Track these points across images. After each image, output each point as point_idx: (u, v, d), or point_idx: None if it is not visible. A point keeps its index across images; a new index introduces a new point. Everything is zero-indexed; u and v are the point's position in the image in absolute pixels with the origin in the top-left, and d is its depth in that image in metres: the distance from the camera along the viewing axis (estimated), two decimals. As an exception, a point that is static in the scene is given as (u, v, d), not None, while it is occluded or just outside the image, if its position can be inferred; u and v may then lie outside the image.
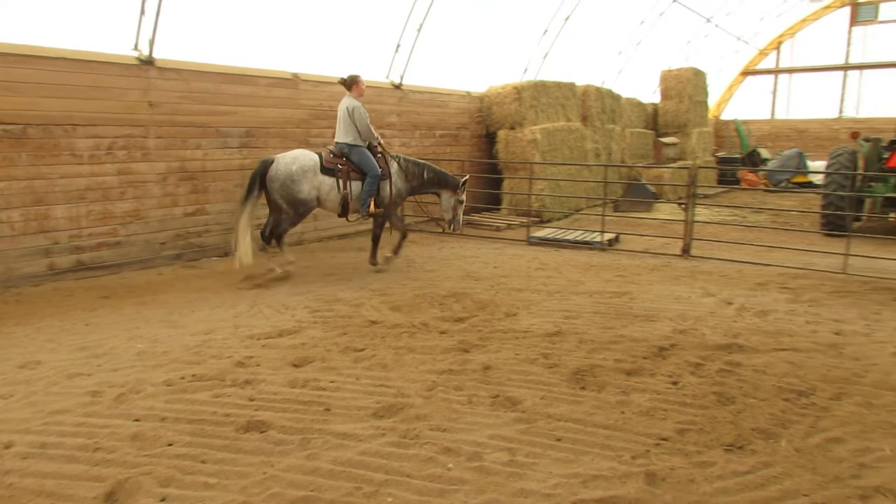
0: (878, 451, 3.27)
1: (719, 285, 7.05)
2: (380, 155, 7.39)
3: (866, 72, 22.09)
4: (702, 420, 3.60)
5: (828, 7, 22.39)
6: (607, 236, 9.65)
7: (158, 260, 7.75)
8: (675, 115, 18.03)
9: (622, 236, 10.12)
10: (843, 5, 22.19)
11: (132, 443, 3.25)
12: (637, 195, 13.96)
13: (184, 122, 7.86)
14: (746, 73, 24.58)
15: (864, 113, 21.97)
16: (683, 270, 7.88)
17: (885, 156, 10.93)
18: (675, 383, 4.13)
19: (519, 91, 12.59)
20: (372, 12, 10.64)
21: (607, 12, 15.72)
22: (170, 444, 3.24)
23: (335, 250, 9.09)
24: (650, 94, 19.36)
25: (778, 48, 23.94)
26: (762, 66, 24.35)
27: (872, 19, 21.78)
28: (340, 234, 10.04)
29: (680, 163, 16.83)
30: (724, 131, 23.02)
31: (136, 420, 3.51)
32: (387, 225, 7.81)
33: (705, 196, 15.95)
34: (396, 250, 7.79)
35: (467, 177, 8.00)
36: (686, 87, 17.78)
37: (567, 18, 14.17)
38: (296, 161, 6.92)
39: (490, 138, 13.18)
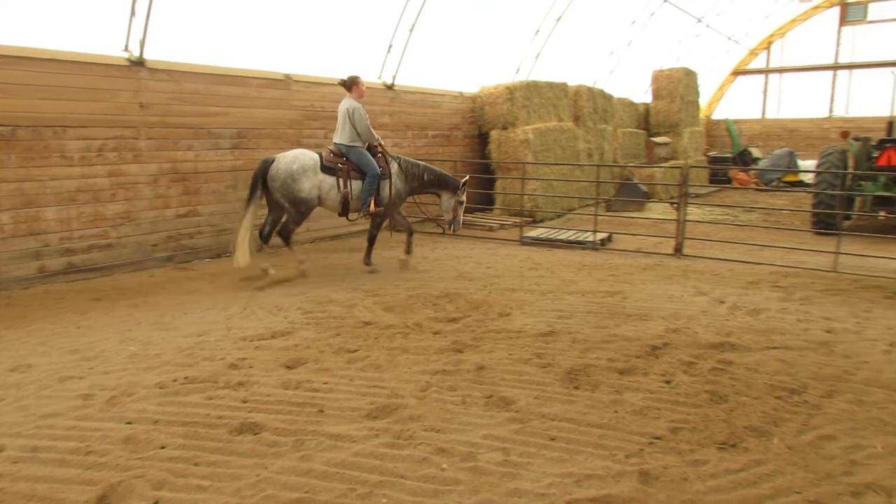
0: (870, 448, 3.29)
1: (711, 284, 7.08)
2: (380, 155, 7.41)
3: (856, 71, 22.24)
4: (695, 419, 3.61)
5: (817, 7, 22.53)
6: (600, 236, 9.67)
7: (150, 262, 7.72)
8: (667, 115, 18.10)
9: (615, 236, 10.15)
10: (832, 5, 22.33)
11: (124, 446, 3.24)
12: (629, 195, 14.00)
13: (175, 123, 7.83)
14: (737, 72, 24.70)
15: (854, 112, 22.11)
16: (676, 269, 7.91)
17: (875, 155, 11.00)
18: (668, 382, 4.14)
19: (511, 91, 12.60)
20: (364, 12, 10.63)
21: (599, 12, 15.76)
22: (162, 447, 3.23)
23: (327, 251, 9.07)
24: (642, 94, 19.43)
25: (768, 48, 24.07)
26: (753, 65, 24.48)
27: (861, 19, 21.93)
28: (332, 235, 10.03)
29: (672, 162, 16.90)
30: (716, 131, 23.12)
31: (129, 423, 3.50)
32: (385, 225, 7.82)
33: (697, 195, 16.00)
34: (408, 249, 7.85)
35: (467, 178, 8.03)
36: (677, 86, 17.85)
37: (559, 19, 14.20)
38: (296, 160, 6.96)
39: (482, 138, 13.18)
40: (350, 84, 7.31)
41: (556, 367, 4.37)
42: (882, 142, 11.11)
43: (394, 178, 7.47)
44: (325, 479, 2.96)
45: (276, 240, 7.26)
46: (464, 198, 7.90)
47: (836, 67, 22.52)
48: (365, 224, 8.10)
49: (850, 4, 21.98)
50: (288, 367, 4.38)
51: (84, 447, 3.21)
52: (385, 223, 7.78)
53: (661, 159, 17.19)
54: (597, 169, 13.59)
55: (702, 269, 7.90)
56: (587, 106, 14.76)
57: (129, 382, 4.06)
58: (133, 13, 7.22)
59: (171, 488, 2.87)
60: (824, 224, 10.35)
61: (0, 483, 2.90)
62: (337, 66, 10.22)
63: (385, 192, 7.40)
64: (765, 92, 24.22)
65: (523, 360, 4.53)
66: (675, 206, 9.01)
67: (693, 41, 20.48)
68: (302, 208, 7.05)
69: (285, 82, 9.16)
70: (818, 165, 11.04)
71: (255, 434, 3.38)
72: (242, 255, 6.84)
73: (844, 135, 12.24)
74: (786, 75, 23.83)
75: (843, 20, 22.25)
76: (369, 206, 7.20)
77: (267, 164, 6.93)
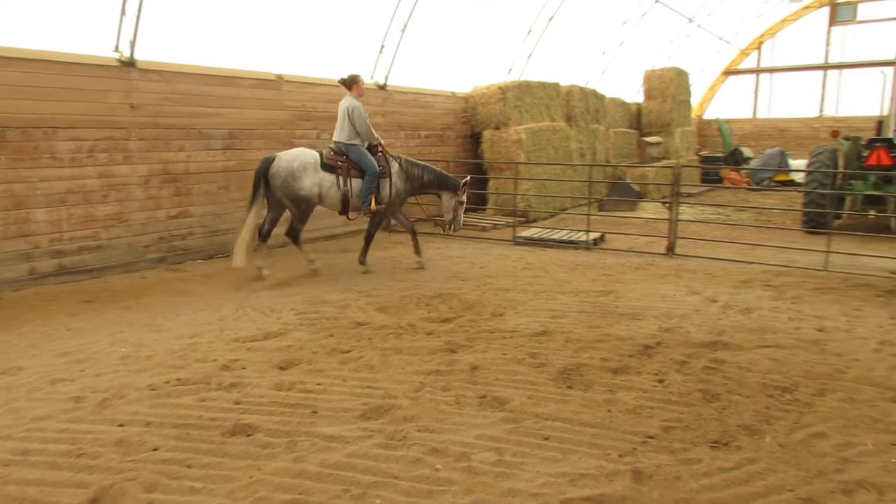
0: (861, 446, 3.31)
1: (704, 283, 7.10)
2: (380, 154, 7.43)
3: (845, 71, 22.39)
4: (688, 417, 3.62)
5: (807, 7, 22.66)
6: (592, 235, 9.69)
7: (142, 263, 7.68)
8: (659, 115, 18.16)
9: (607, 235, 10.17)
10: (822, 5, 22.46)
11: (116, 448, 3.22)
12: (622, 194, 14.03)
13: (166, 123, 7.79)
14: (728, 72, 24.81)
15: (844, 112, 22.26)
16: (668, 269, 7.94)
17: (865, 154, 11.07)
18: (660, 381, 4.15)
19: (503, 91, 12.61)
20: (356, 13, 10.61)
21: (591, 12, 15.79)
22: (155, 449, 3.21)
23: (320, 252, 9.04)
24: (634, 94, 19.47)
25: (759, 48, 24.19)
26: (744, 65, 24.60)
27: (851, 19, 22.06)
28: (326, 235, 10.00)
29: (664, 162, 16.94)
30: (707, 130, 23.22)
31: (121, 425, 3.48)
32: (383, 225, 7.84)
33: (689, 195, 16.04)
34: (417, 250, 7.90)
35: (468, 178, 8.05)
36: (669, 86, 17.91)
37: (551, 19, 14.22)
38: (297, 158, 7.04)
39: (475, 138, 13.19)
40: (350, 83, 7.35)
41: (550, 367, 4.38)
42: (871, 141, 11.18)
43: (394, 178, 7.49)
44: (318, 480, 2.95)
45: (273, 240, 7.29)
46: (464, 198, 7.94)
47: (826, 67, 22.67)
48: (358, 224, 8.10)
49: (840, 4, 22.11)
50: (281, 369, 4.37)
51: (75, 450, 3.19)
52: (384, 223, 7.79)
53: (653, 159, 17.24)
54: (589, 169, 13.63)
55: (694, 269, 7.93)
56: (579, 106, 14.79)
57: (120, 384, 4.03)
58: (123, 13, 7.19)
59: (163, 490, 2.86)
60: (815, 223, 10.41)
61: (-10, 487, 2.88)
62: (329, 66, 10.21)
63: (385, 191, 7.43)
64: (756, 92, 24.35)
65: (517, 359, 4.54)
66: (667, 205, 9.04)
67: (684, 41, 20.55)
68: (303, 206, 7.10)
69: (277, 83, 9.14)
70: (809, 165, 11.11)
71: (248, 435, 3.37)
72: (240, 255, 6.90)
73: (834, 134, 12.31)
74: (776, 75, 23.97)
75: (833, 20, 22.38)
76: (370, 204, 7.25)
77: (268, 163, 7.01)
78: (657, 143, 17.61)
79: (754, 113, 24.35)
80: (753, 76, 24.40)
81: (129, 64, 7.38)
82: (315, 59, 10.28)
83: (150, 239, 7.78)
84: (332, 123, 9.64)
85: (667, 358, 4.57)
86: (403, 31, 11.00)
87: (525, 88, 12.98)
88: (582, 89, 14.95)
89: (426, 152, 12.04)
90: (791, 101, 23.44)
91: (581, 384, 4.10)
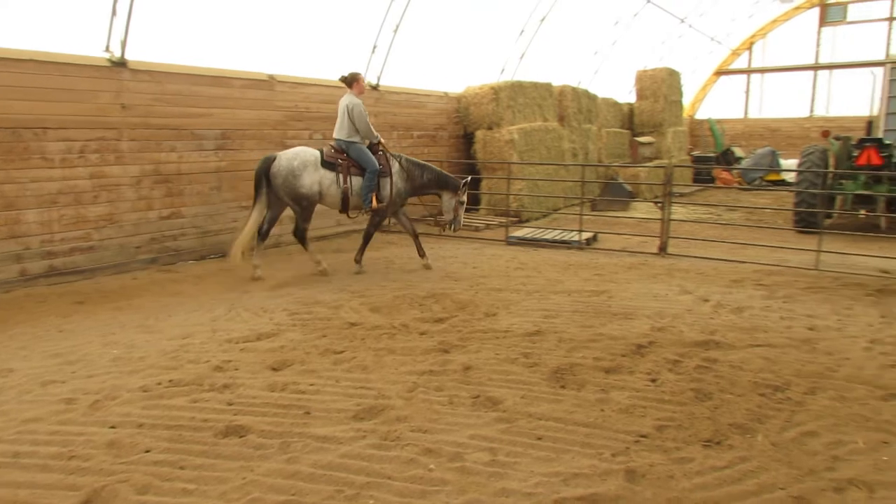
0: (851, 444, 3.33)
1: (696, 283, 7.13)
2: (381, 154, 7.43)
3: (836, 72, 22.53)
4: (680, 416, 3.63)
5: (798, 8, 22.79)
6: (585, 235, 9.71)
7: (133, 264, 7.64)
8: (651, 115, 18.21)
9: (600, 235, 10.20)
10: (812, 6, 22.60)
11: (108, 450, 3.20)
12: (614, 194, 14.07)
13: (158, 124, 7.76)
14: (720, 72, 24.93)
15: (834, 112, 22.40)
16: (660, 268, 7.96)
17: (855, 154, 11.15)
18: (653, 380, 4.17)
19: (496, 91, 12.62)
20: (348, 12, 10.60)
21: (583, 13, 15.83)
22: (147, 451, 3.20)
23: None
24: (626, 94, 19.54)
25: (750, 48, 24.31)
26: (735, 66, 24.71)
27: (841, 20, 22.21)
28: (318, 236, 9.97)
29: (656, 162, 17.00)
30: (699, 130, 23.31)
31: (112, 427, 3.46)
32: (385, 223, 7.85)
33: (681, 194, 16.11)
34: (421, 253, 7.92)
35: (468, 178, 8.06)
36: (661, 86, 17.96)
37: (543, 19, 14.24)
38: (297, 157, 7.11)
39: (468, 138, 13.19)
40: (351, 80, 7.40)
41: (543, 367, 4.38)
42: (862, 141, 11.26)
43: (395, 178, 7.49)
44: (311, 481, 2.94)
45: (270, 239, 7.32)
46: (465, 198, 7.95)
47: (816, 68, 22.80)
48: (350, 225, 8.09)
49: (830, 5, 22.26)
50: (274, 369, 4.36)
51: (67, 452, 3.17)
52: (383, 223, 7.79)
53: (646, 159, 17.30)
54: (582, 169, 13.66)
55: (686, 268, 7.96)
56: (572, 106, 14.82)
57: (112, 386, 4.01)
58: (114, 13, 7.15)
59: (156, 492, 2.84)
60: (806, 222, 10.48)
61: (-19, 489, 2.86)
62: (321, 66, 10.19)
63: (386, 190, 7.44)
64: (747, 92, 24.47)
65: (510, 359, 4.54)
66: (659, 205, 9.07)
67: (676, 41, 20.63)
68: (304, 203, 7.13)
69: (269, 83, 9.12)
70: (799, 164, 11.17)
71: (241, 437, 3.36)
72: (237, 253, 6.98)
73: (825, 134, 12.39)
74: (767, 75, 24.09)
75: (823, 21, 22.52)
76: (371, 201, 7.26)
77: (269, 162, 7.07)
78: (649, 143, 17.67)
79: (745, 113, 24.47)
80: (745, 76, 24.52)
81: (120, 64, 7.34)
82: (307, 60, 10.27)
83: (141, 240, 7.74)
84: (324, 124, 9.68)
85: (659, 357, 4.59)
86: (396, 31, 10.99)
87: (518, 88, 12.99)
88: (574, 89, 14.98)
89: (419, 152, 12.01)
90: (782, 101, 23.57)
91: (574, 384, 4.11)
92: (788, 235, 10.36)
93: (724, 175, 18.48)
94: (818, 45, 22.71)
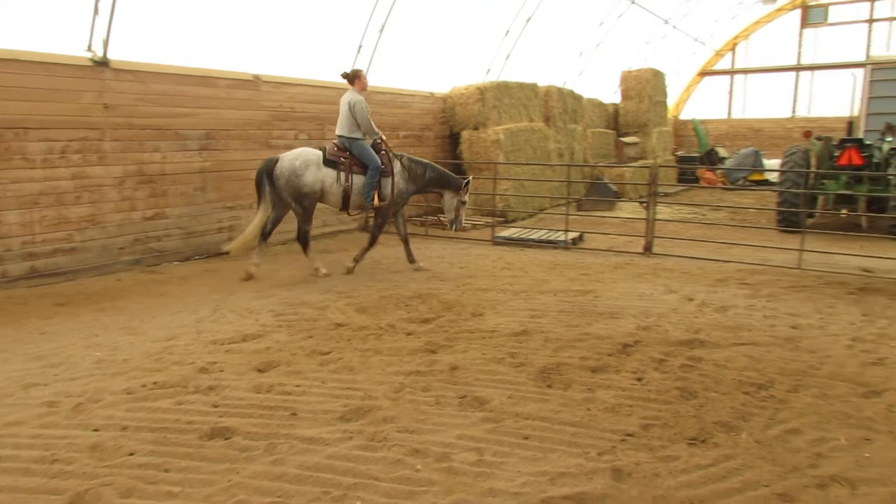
0: (834, 441, 3.37)
1: (681, 282, 7.18)
2: (384, 153, 7.42)
3: (817, 73, 22.80)
4: (666, 415, 3.66)
5: (780, 9, 23.03)
6: (571, 235, 9.75)
7: (117, 265, 7.56)
8: (636, 115, 18.33)
9: (586, 235, 10.24)
10: (794, 8, 22.85)
11: (91, 453, 3.16)
12: (600, 194, 14.13)
13: (141, 124, 7.68)
14: (703, 73, 25.14)
15: (816, 112, 22.66)
16: (646, 268, 8.01)
17: (836, 154, 11.28)
18: (639, 379, 4.19)
19: (482, 92, 12.63)
20: (334, 13, 10.56)
21: (568, 14, 15.89)
22: (131, 454, 3.17)
23: (298, 253, 8.96)
24: (611, 95, 19.64)
25: (733, 49, 24.53)
26: (718, 66, 24.93)
27: (822, 22, 22.48)
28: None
29: (641, 162, 17.10)
30: (683, 131, 23.48)
31: (96, 430, 3.42)
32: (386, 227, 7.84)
33: (666, 194, 16.21)
34: (411, 259, 7.92)
35: (470, 178, 8.05)
36: (646, 87, 18.09)
37: (528, 20, 14.28)
38: (299, 157, 7.14)
39: (454, 139, 13.19)
40: (352, 77, 7.43)
41: (529, 367, 4.39)
42: (843, 141, 11.40)
43: (397, 178, 7.47)
44: (298, 482, 2.93)
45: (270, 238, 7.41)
46: (466, 197, 7.95)
47: (798, 69, 23.07)
48: (337, 225, 8.06)
49: (812, 7, 22.52)
50: (259, 371, 4.33)
51: (49, 455, 3.13)
52: (386, 224, 7.77)
53: (631, 159, 17.40)
54: (567, 169, 13.71)
55: (671, 268, 8.02)
56: (557, 106, 14.87)
57: (95, 388, 3.97)
58: (96, 12, 7.07)
59: (140, 496, 2.82)
60: (789, 222, 10.59)
61: (-39, 495, 2.82)
62: (307, 66, 10.14)
63: (387, 189, 7.42)
64: (730, 92, 24.70)
65: (496, 359, 4.55)
66: (644, 205, 9.13)
67: (660, 42, 20.77)
68: (306, 202, 7.15)
69: (254, 83, 9.06)
70: (782, 164, 11.30)
71: (227, 439, 3.34)
72: (237, 245, 7.14)
73: (807, 134, 12.53)
74: (750, 76, 24.33)
75: (805, 22, 22.78)
76: (373, 199, 7.25)
77: (272, 164, 7.10)
78: (634, 144, 17.77)
79: (729, 113, 24.70)
80: (728, 77, 24.75)
81: (103, 64, 7.26)
82: (293, 60, 10.21)
83: (125, 241, 7.66)
84: (309, 124, 9.64)
85: (645, 356, 4.61)
86: (381, 31, 10.97)
87: (503, 89, 13.02)
88: (560, 90, 15.03)
89: (405, 152, 12.00)
90: (765, 101, 23.82)
91: (560, 383, 4.13)
92: (772, 235, 10.47)
93: (708, 175, 18.63)
94: (800, 46, 22.98)
